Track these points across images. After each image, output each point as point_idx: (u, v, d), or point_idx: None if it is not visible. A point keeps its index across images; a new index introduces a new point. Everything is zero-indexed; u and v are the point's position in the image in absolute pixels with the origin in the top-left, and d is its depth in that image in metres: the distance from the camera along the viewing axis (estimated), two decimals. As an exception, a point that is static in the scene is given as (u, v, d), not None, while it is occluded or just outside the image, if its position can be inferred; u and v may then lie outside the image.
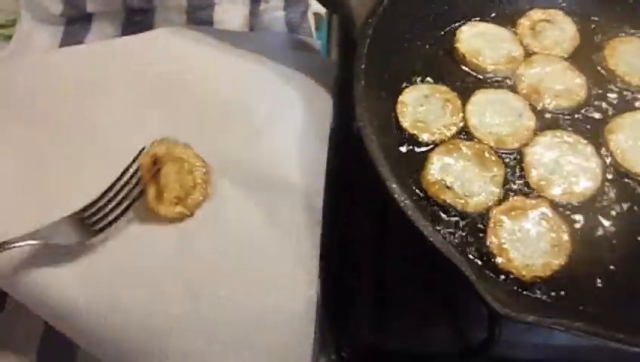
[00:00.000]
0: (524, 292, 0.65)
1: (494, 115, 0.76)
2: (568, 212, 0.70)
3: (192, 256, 0.67)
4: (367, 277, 0.72)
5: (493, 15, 0.87)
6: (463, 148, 0.73)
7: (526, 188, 0.72)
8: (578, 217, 0.70)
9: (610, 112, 0.77)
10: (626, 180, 0.72)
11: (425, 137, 0.74)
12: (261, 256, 0.67)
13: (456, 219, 0.69)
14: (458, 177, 0.71)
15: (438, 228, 0.68)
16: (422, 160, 0.72)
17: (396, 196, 0.59)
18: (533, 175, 0.72)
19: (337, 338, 0.71)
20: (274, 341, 0.63)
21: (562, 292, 0.65)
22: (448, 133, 0.75)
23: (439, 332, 0.70)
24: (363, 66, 0.68)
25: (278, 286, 0.65)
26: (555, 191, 0.71)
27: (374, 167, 0.61)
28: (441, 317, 0.70)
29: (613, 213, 0.70)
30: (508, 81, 0.81)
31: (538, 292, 0.65)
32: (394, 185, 0.59)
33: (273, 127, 0.75)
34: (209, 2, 0.98)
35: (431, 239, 0.56)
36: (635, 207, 0.70)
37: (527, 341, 0.73)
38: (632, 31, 0.85)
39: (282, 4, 0.93)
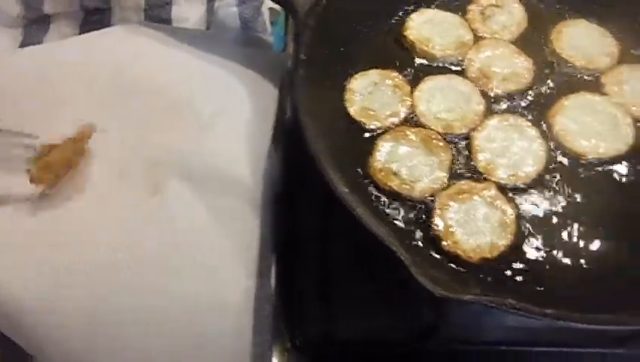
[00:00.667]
0: (471, 274, 0.66)
1: (443, 100, 0.77)
2: (515, 194, 0.71)
3: (137, 251, 0.67)
4: (315, 267, 0.73)
5: (443, 1, 0.88)
6: (410, 134, 0.73)
7: (473, 172, 0.72)
8: (524, 199, 0.70)
9: (555, 95, 0.78)
10: (570, 161, 0.73)
11: (372, 124, 0.75)
12: (203, 249, 0.68)
13: (404, 205, 0.70)
14: (405, 163, 0.71)
15: (387, 214, 0.69)
16: (370, 147, 0.73)
17: (333, 181, 0.59)
18: (480, 159, 0.72)
19: (290, 327, 0.72)
20: (214, 331, 0.65)
21: (508, 273, 0.66)
22: (396, 120, 0.75)
23: (389, 319, 0.71)
24: (303, 57, 0.69)
25: (218, 279, 0.66)
26: (502, 174, 0.71)
27: (313, 155, 0.61)
28: (390, 304, 0.71)
29: (558, 193, 0.71)
30: (458, 66, 0.82)
31: (485, 273, 0.66)
32: (331, 172, 0.60)
33: (218, 124, 0.77)
34: (166, 0, 0.98)
35: (367, 224, 0.57)
36: (579, 188, 0.71)
37: (480, 323, 0.74)
38: (579, 14, 0.86)
39: (235, 0, 0.94)
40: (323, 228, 0.74)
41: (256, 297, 0.69)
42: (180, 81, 0.82)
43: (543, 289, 0.65)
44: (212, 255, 0.69)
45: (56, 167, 0.71)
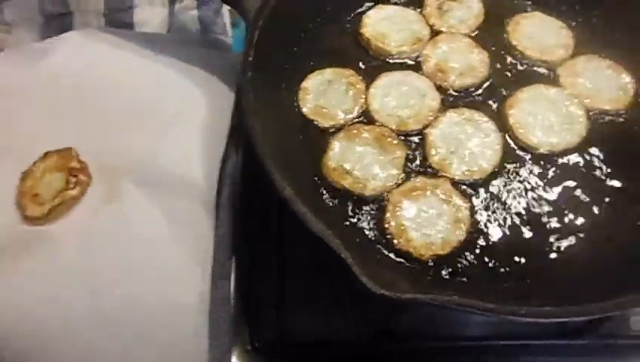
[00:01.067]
0: (425, 272, 0.66)
1: (398, 97, 0.77)
2: (469, 189, 0.71)
3: (93, 256, 0.67)
4: (271, 270, 0.72)
5: (401, -3, 0.87)
6: (364, 132, 0.73)
7: (428, 169, 0.72)
8: (479, 194, 0.70)
9: (511, 87, 0.77)
10: (525, 155, 0.73)
11: (327, 123, 0.75)
12: (158, 253, 0.68)
13: (358, 204, 0.69)
14: (358, 162, 0.71)
15: (340, 213, 0.69)
16: (324, 146, 0.73)
17: (277, 183, 0.59)
18: (435, 155, 0.72)
19: (249, 329, 0.71)
20: (170, 334, 0.64)
21: (460, 269, 0.66)
22: (350, 118, 0.75)
23: (346, 321, 0.70)
24: (251, 59, 0.68)
25: (173, 282, 0.66)
26: (456, 170, 0.71)
27: (258, 157, 0.61)
28: (346, 305, 0.70)
29: (513, 188, 0.71)
30: (414, 62, 0.81)
31: (437, 270, 0.65)
32: (276, 173, 0.60)
33: (176, 127, 0.76)
34: (127, 4, 0.98)
35: (310, 225, 0.57)
36: (534, 181, 0.71)
37: (444, 319, 0.74)
38: (536, 6, 0.85)
39: (195, 3, 0.93)
40: (279, 231, 0.73)
41: (213, 300, 0.69)
42: (138, 85, 0.82)
43: (495, 283, 0.65)
44: (168, 259, 0.69)
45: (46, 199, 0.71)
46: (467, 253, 0.67)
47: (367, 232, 0.68)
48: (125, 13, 0.99)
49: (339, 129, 0.74)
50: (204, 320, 0.67)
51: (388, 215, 0.68)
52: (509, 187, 0.71)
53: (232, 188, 0.77)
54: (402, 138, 0.74)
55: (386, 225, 0.67)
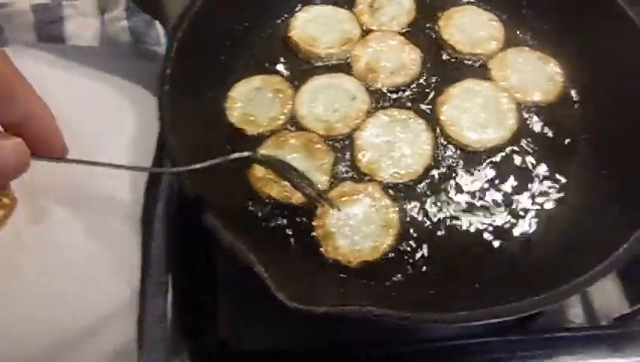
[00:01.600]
0: (353, 280, 0.64)
1: (326, 101, 0.75)
2: (399, 192, 0.69)
3: (16, 281, 0.66)
4: (209, 283, 0.71)
5: (330, -4, 0.85)
6: (291, 139, 0.72)
7: (357, 173, 0.71)
8: (408, 196, 0.69)
9: (442, 84, 0.76)
10: (456, 153, 0.72)
11: (254, 131, 0.73)
12: (84, 272, 0.67)
13: (288, 212, 0.68)
14: (285, 169, 0.70)
15: (266, 223, 0.68)
16: (251, 155, 0.71)
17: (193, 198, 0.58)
18: (362, 158, 0.71)
19: (188, 343, 0.70)
20: (99, 355, 0.63)
21: (390, 275, 0.65)
22: (278, 125, 0.73)
23: (290, 331, 0.68)
24: (168, 71, 0.66)
25: (99, 301, 0.65)
26: (385, 173, 0.70)
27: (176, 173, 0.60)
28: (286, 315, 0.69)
29: (445, 188, 0.69)
30: (345, 63, 0.79)
31: (366, 277, 0.64)
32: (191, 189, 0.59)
33: (102, 143, 0.74)
34: (58, 16, 0.96)
35: (222, 239, 0.55)
36: (466, 180, 0.70)
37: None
38: (467, 0, 0.84)
39: (125, 13, 0.91)
40: (209, 244, 0.72)
41: (146, 316, 0.68)
42: (64, 103, 0.79)
43: (427, 288, 0.64)
44: (94, 278, 0.67)
45: None
46: (397, 258, 0.65)
47: (295, 241, 0.66)
48: (55, 25, 0.96)
49: (267, 137, 0.73)
50: (132, 337, 0.66)
51: (315, 222, 0.67)
52: (440, 188, 0.70)
53: (167, 201, 0.76)
54: (331, 143, 0.72)
55: (314, 233, 0.66)
